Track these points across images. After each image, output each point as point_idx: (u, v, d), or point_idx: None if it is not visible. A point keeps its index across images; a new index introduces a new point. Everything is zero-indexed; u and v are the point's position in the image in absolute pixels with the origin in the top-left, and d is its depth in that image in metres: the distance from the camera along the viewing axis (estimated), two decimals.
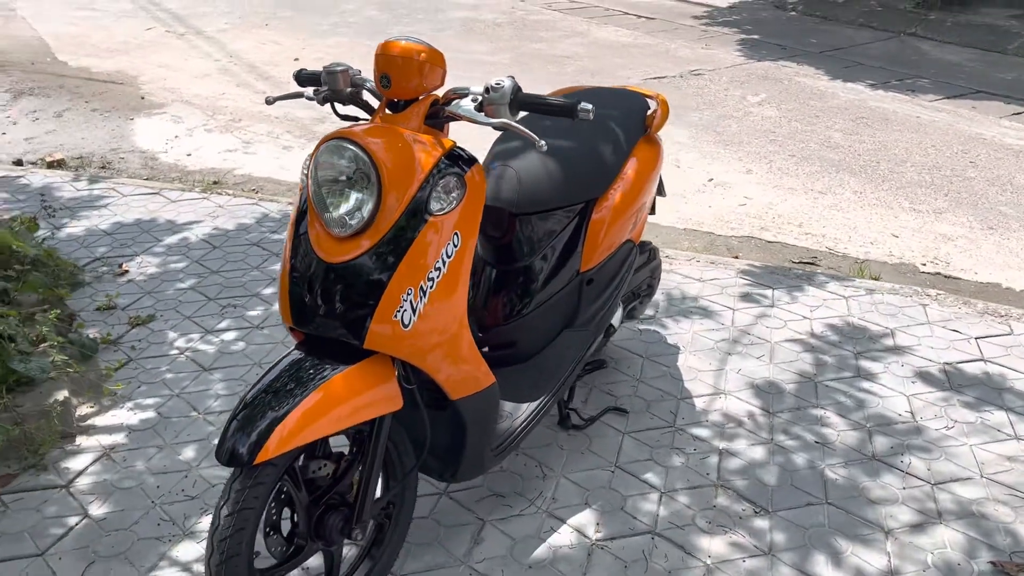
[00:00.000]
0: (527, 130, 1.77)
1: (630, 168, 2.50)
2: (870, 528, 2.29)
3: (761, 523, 2.30)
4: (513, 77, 1.80)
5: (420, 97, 1.81)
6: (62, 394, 2.56)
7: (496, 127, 1.80)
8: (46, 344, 2.74)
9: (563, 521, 2.30)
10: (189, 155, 5.39)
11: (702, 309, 3.41)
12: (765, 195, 4.87)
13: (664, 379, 2.94)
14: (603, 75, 7.20)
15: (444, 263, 1.75)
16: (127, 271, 3.64)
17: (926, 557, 2.19)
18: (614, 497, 2.39)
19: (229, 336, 3.15)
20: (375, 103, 1.94)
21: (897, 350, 3.13)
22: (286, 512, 1.83)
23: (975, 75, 7.34)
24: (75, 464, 2.47)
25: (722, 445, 2.61)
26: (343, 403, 1.71)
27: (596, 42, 8.42)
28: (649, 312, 3.37)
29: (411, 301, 1.71)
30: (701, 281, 3.65)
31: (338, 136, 1.70)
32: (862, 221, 4.54)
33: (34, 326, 2.83)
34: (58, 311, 3.01)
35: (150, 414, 2.70)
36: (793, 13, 10.03)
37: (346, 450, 1.92)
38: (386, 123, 1.81)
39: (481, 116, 1.80)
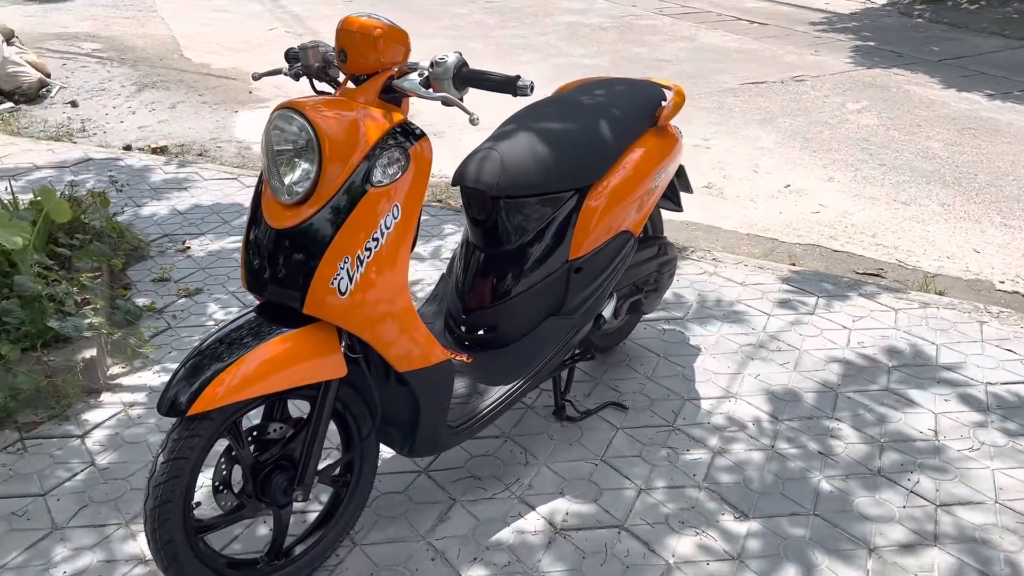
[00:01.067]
0: (464, 105, 1.78)
1: (631, 158, 2.46)
2: (854, 544, 2.16)
3: (737, 528, 2.22)
4: (460, 53, 1.82)
5: (377, 72, 1.85)
6: (91, 352, 2.75)
7: (440, 101, 1.82)
8: (89, 307, 2.95)
9: (533, 508, 2.29)
10: None
11: (735, 313, 3.30)
12: (842, 203, 4.65)
13: (675, 379, 2.87)
14: (700, 79, 7.06)
15: (383, 234, 1.78)
16: (189, 248, 3.86)
17: None
18: (591, 489, 2.36)
19: None
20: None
21: (938, 366, 2.94)
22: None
23: None
24: (94, 417, 2.65)
25: (718, 448, 2.53)
26: (283, 366, 1.77)
27: (700, 47, 8.26)
28: (677, 313, 3.29)
29: (348, 269, 1.76)
30: (742, 285, 3.53)
31: (287, 106, 1.76)
32: (943, 234, 4.27)
33: (84, 290, 3.05)
34: (112, 279, 3.23)
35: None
36: (919, 20, 9.51)
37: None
38: (343, 96, 1.86)
39: (427, 91, 1.82)
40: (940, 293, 3.56)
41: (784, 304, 3.37)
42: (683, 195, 2.93)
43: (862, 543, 2.16)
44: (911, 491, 2.35)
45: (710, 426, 2.63)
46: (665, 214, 3.22)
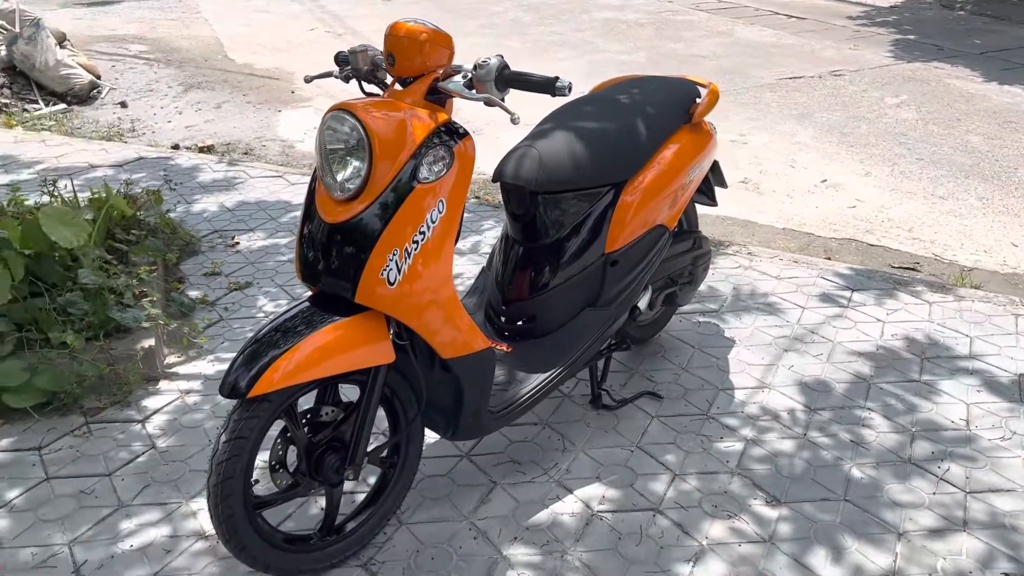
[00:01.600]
0: (506, 105, 1.88)
1: (665, 153, 2.54)
2: (883, 528, 2.22)
3: (768, 512, 2.29)
4: (501, 56, 1.91)
5: (423, 74, 1.95)
6: (149, 342, 2.90)
7: (483, 102, 1.91)
8: (147, 299, 3.09)
9: (570, 491, 2.38)
10: None
11: (769, 306, 3.36)
12: (879, 198, 4.67)
13: (710, 370, 2.94)
14: (736, 75, 7.08)
15: (429, 228, 1.89)
16: (238, 243, 4.01)
17: (936, 562, 2.11)
18: (626, 474, 2.44)
19: None
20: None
21: (971, 358, 2.97)
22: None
23: None
24: (153, 403, 2.80)
25: (751, 436, 2.60)
26: (335, 352, 1.88)
27: (737, 42, 8.27)
28: (712, 306, 3.36)
29: (396, 261, 1.86)
30: (777, 279, 3.58)
31: (340, 108, 1.87)
32: (980, 229, 4.28)
33: (141, 283, 3.20)
34: (166, 273, 3.38)
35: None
36: (961, 12, 9.41)
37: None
38: (391, 98, 1.96)
39: (470, 92, 1.92)
40: (976, 287, 3.58)
41: (818, 297, 3.42)
42: (718, 190, 2.99)
43: (891, 528, 2.22)
44: (941, 478, 2.40)
45: (743, 415, 2.70)
46: (701, 209, 3.29)
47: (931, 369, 2.92)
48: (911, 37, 8.31)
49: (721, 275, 3.61)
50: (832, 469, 2.44)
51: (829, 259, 3.93)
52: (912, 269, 3.89)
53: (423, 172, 1.87)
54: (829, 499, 2.33)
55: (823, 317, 3.27)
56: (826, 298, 3.42)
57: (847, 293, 3.46)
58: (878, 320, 3.24)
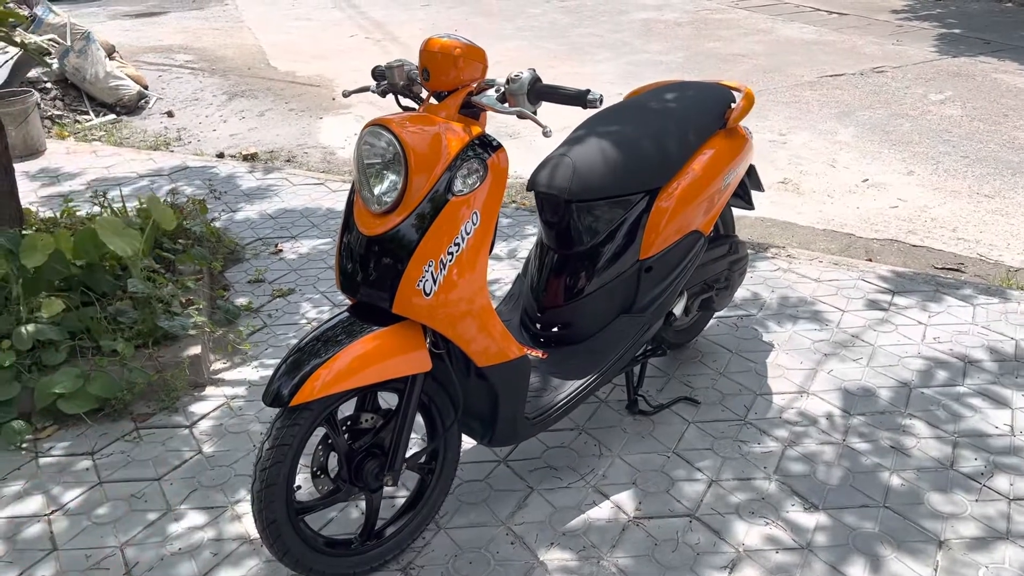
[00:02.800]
0: (537, 118, 1.90)
1: (700, 160, 2.54)
2: (924, 537, 2.20)
3: (806, 519, 2.28)
4: (533, 69, 1.94)
5: (457, 88, 1.99)
6: (196, 349, 2.98)
7: (516, 115, 1.94)
8: (193, 307, 3.18)
9: (607, 497, 2.40)
10: None
11: (809, 309, 3.34)
12: (922, 197, 4.60)
13: (747, 375, 2.94)
14: (776, 73, 7.02)
15: (463, 239, 1.92)
16: (281, 250, 4.09)
17: (977, 572, 2.09)
18: (662, 480, 2.46)
19: None
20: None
21: (1017, 361, 2.93)
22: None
23: None
24: (200, 409, 2.87)
25: (789, 441, 2.59)
26: (374, 361, 1.92)
27: (777, 40, 8.19)
28: (751, 310, 3.35)
29: (432, 272, 1.90)
30: (817, 282, 3.56)
31: (376, 123, 1.92)
32: None
33: (188, 292, 3.29)
34: (211, 281, 3.46)
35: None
36: (1009, 4, 9.20)
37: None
38: (426, 112, 2.00)
39: (503, 105, 1.95)
40: (1023, 288, 3.52)
41: (859, 300, 3.39)
42: (755, 193, 2.98)
43: (932, 537, 2.20)
44: (984, 486, 2.37)
45: (781, 421, 2.69)
46: (739, 211, 3.28)
47: (975, 374, 2.88)
48: (956, 31, 8.16)
49: (759, 278, 3.60)
50: (872, 476, 2.43)
51: (870, 261, 3.89)
52: (956, 270, 3.83)
53: (457, 185, 1.91)
54: (868, 506, 2.32)
55: (864, 321, 3.24)
56: (867, 301, 3.39)
57: (888, 296, 3.42)
58: (920, 323, 3.21)
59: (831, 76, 6.90)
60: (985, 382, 2.83)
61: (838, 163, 5.14)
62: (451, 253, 1.91)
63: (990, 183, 4.72)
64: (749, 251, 3.78)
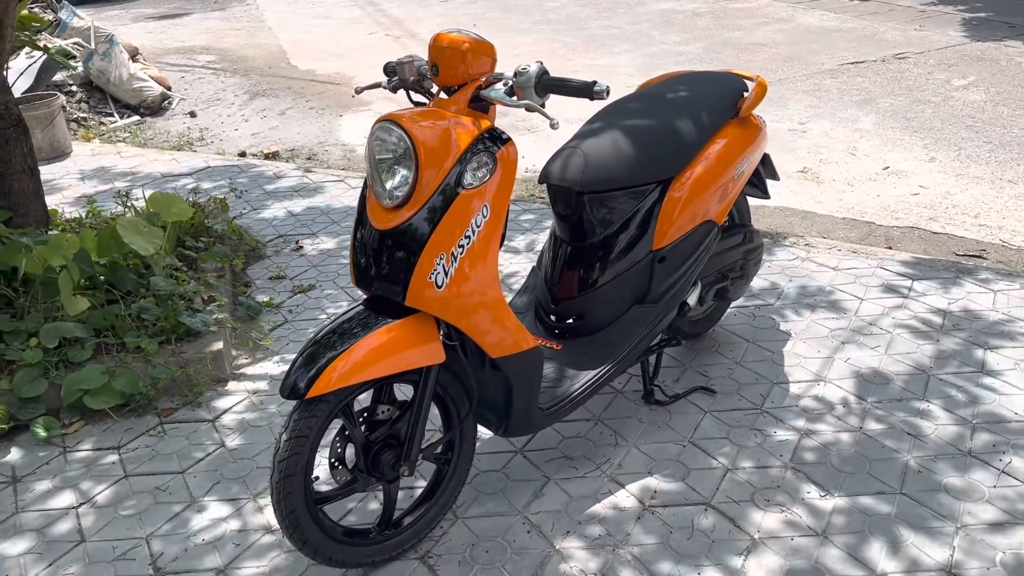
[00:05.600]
0: (545, 111, 1.92)
1: (712, 149, 2.55)
2: (941, 521, 2.20)
3: (822, 505, 2.28)
4: (541, 62, 1.96)
5: (466, 83, 2.01)
6: (218, 345, 3.03)
7: (524, 108, 1.96)
8: (215, 304, 3.24)
9: (622, 486, 2.42)
10: None
11: (826, 298, 3.33)
12: (944, 184, 4.56)
13: (764, 363, 2.94)
14: (796, 61, 6.97)
15: (474, 232, 1.94)
16: (302, 247, 4.14)
17: (995, 555, 2.08)
18: (678, 469, 2.47)
19: None
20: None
21: None
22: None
23: None
24: (223, 404, 2.93)
25: (805, 429, 2.59)
26: (388, 353, 1.95)
27: (797, 28, 8.13)
28: (768, 299, 3.34)
29: (443, 265, 1.92)
30: (835, 270, 3.54)
31: (387, 119, 1.94)
32: None
33: (210, 288, 3.35)
34: (233, 278, 3.52)
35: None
36: None
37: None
38: (436, 106, 2.03)
39: (511, 99, 1.97)
40: None
41: (878, 288, 3.37)
42: (771, 182, 2.98)
43: (949, 521, 2.20)
44: (1003, 471, 2.36)
45: (798, 409, 2.69)
46: (757, 200, 3.27)
47: (995, 360, 2.86)
48: (981, 15, 8.04)
49: (777, 267, 3.59)
50: (888, 462, 2.42)
51: (890, 248, 3.86)
52: (978, 256, 3.80)
53: (467, 178, 1.93)
54: (885, 492, 2.31)
55: (882, 308, 3.23)
56: (886, 288, 3.37)
57: (908, 283, 3.40)
58: (939, 310, 3.19)
59: (852, 63, 6.84)
60: (1005, 367, 2.81)
61: (859, 151, 5.10)
62: (462, 246, 1.94)
63: (1013, 168, 4.67)
64: (767, 240, 3.77)
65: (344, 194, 4.81)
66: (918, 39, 7.39)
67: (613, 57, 7.48)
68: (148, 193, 4.38)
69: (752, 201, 3.16)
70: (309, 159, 5.76)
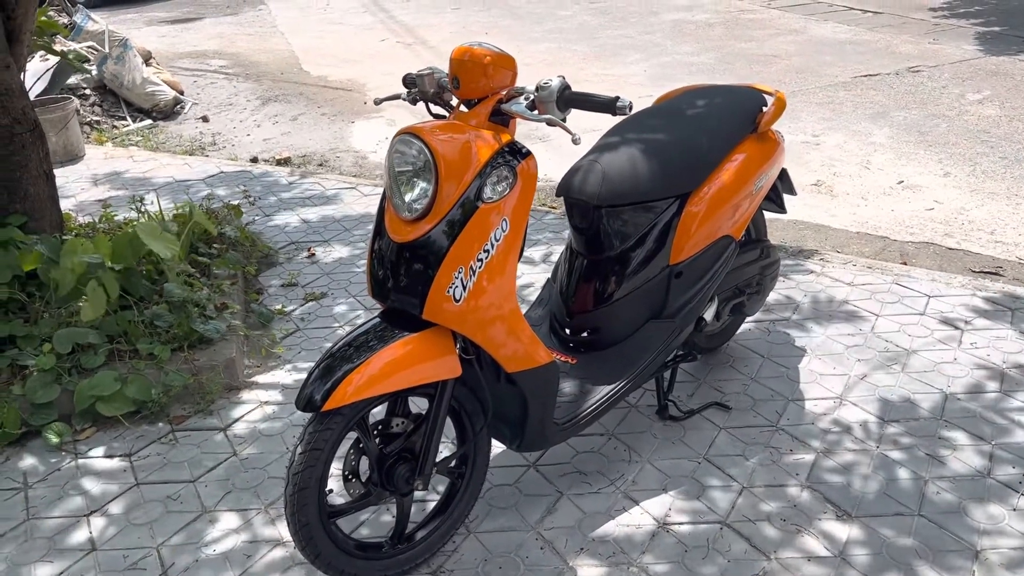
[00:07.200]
0: (567, 126, 1.91)
1: (730, 164, 2.53)
2: (959, 547, 2.17)
3: (839, 527, 2.26)
4: (563, 77, 1.95)
5: (487, 96, 2.00)
6: (230, 353, 3.02)
7: (545, 122, 1.95)
8: (228, 311, 3.23)
9: (636, 503, 2.40)
10: None
11: (842, 314, 3.30)
12: (959, 199, 4.53)
13: (779, 380, 2.91)
14: (808, 73, 6.95)
15: (493, 246, 1.93)
16: (314, 254, 4.14)
17: None
18: (693, 487, 2.45)
19: None
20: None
21: None
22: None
23: None
24: (235, 412, 2.92)
25: (822, 449, 2.56)
26: (404, 366, 1.94)
27: (810, 40, 8.11)
28: (783, 315, 3.32)
29: (462, 279, 1.91)
30: (851, 285, 3.52)
31: (407, 131, 1.93)
32: None
33: (222, 295, 3.34)
34: (246, 285, 3.51)
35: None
36: None
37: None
38: (456, 119, 2.02)
39: (532, 113, 1.96)
40: None
41: (893, 304, 3.35)
42: (787, 197, 2.96)
43: (968, 547, 2.17)
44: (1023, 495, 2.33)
45: (814, 427, 2.66)
46: (772, 214, 3.25)
47: (1013, 381, 2.83)
48: (996, 29, 8.01)
49: (792, 282, 3.57)
50: (906, 485, 2.40)
51: (905, 264, 3.84)
52: (994, 274, 3.77)
53: (487, 192, 1.92)
54: (903, 514, 2.29)
55: (898, 326, 3.20)
56: (900, 305, 3.35)
57: (923, 300, 3.38)
58: (956, 328, 3.16)
59: (865, 76, 6.81)
60: None
61: (872, 165, 5.08)
62: (481, 259, 1.93)
63: None
64: (781, 254, 3.75)
65: (356, 201, 4.80)
66: (932, 52, 7.36)
67: (625, 67, 7.47)
68: (161, 197, 4.39)
69: (766, 214, 3.14)
70: (321, 165, 5.77)
